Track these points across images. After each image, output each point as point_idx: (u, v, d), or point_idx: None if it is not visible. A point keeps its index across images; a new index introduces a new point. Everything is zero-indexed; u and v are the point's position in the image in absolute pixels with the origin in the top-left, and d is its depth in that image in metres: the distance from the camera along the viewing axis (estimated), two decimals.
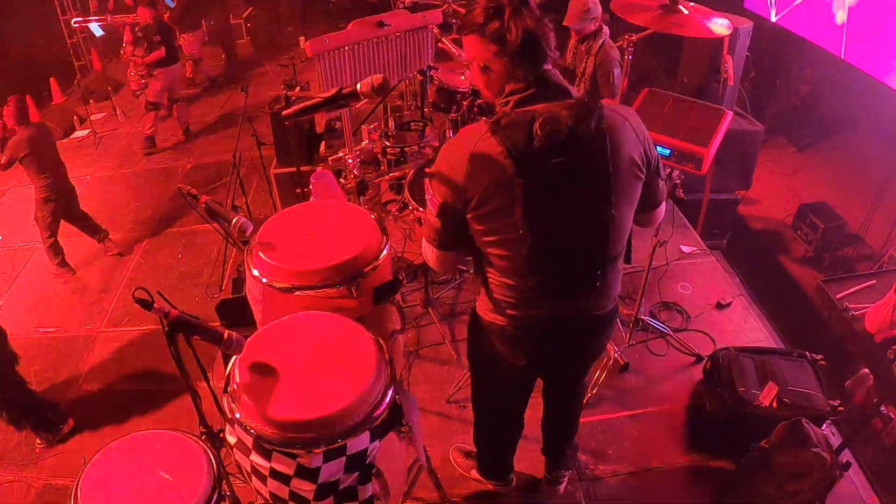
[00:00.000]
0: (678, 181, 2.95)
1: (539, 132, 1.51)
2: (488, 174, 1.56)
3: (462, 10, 5.01)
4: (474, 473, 2.68)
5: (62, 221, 4.61)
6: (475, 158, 1.57)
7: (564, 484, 2.68)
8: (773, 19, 5.83)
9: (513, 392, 2.20)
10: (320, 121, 5.03)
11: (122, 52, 7.19)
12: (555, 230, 1.62)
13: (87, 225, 4.77)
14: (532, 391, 2.22)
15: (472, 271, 1.92)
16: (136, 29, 6.49)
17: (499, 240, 1.66)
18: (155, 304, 1.52)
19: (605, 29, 3.76)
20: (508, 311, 1.81)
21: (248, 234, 2.07)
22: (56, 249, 4.55)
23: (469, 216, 1.65)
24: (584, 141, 1.53)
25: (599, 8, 3.67)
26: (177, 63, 6.55)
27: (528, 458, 2.84)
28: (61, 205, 4.50)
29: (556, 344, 1.90)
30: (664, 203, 1.89)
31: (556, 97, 1.57)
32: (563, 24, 3.77)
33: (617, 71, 3.59)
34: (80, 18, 7.28)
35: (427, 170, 1.71)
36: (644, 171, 1.66)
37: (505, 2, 1.53)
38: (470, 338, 2.11)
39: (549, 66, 1.59)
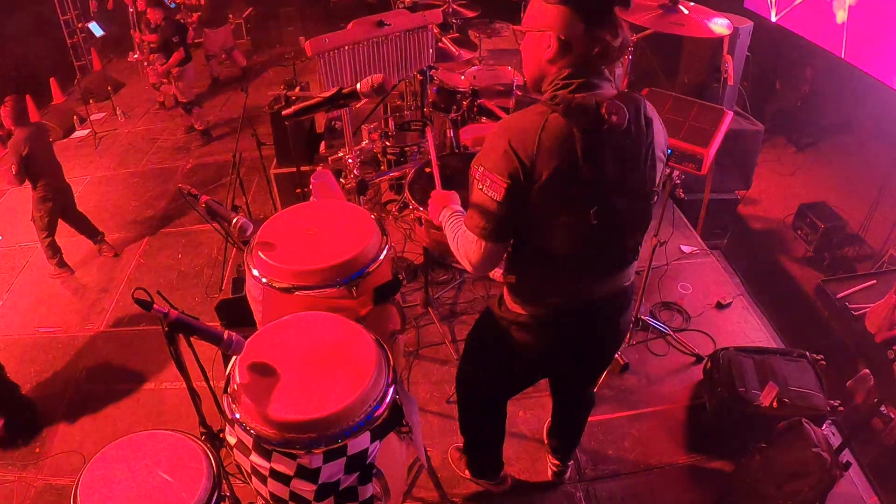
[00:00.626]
0: (678, 181, 2.95)
1: (608, 116, 1.53)
2: (559, 155, 1.56)
3: (462, 10, 5.03)
4: (468, 474, 2.69)
5: (60, 222, 4.61)
6: (546, 138, 1.55)
7: (569, 472, 2.74)
8: (774, 19, 5.84)
9: (515, 385, 2.23)
10: (320, 121, 5.03)
11: (133, 55, 7.15)
12: (617, 210, 1.67)
13: (83, 226, 4.77)
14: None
15: (503, 270, 1.90)
16: (148, 36, 6.47)
17: (564, 220, 1.65)
18: (154, 305, 1.52)
19: None
20: (552, 300, 1.83)
21: (248, 234, 2.07)
22: (53, 249, 4.55)
23: (535, 197, 1.61)
24: (639, 127, 1.62)
25: None
26: (191, 61, 6.56)
27: (528, 458, 2.84)
28: (58, 204, 4.50)
29: (594, 324, 1.92)
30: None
31: (605, 87, 1.62)
32: None
33: (617, 70, 3.58)
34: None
35: (477, 158, 1.65)
36: (665, 159, 1.79)
37: None
38: (489, 328, 2.06)
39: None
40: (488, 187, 1.62)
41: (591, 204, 1.62)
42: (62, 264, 4.60)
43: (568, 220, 1.65)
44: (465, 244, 1.74)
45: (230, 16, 8.24)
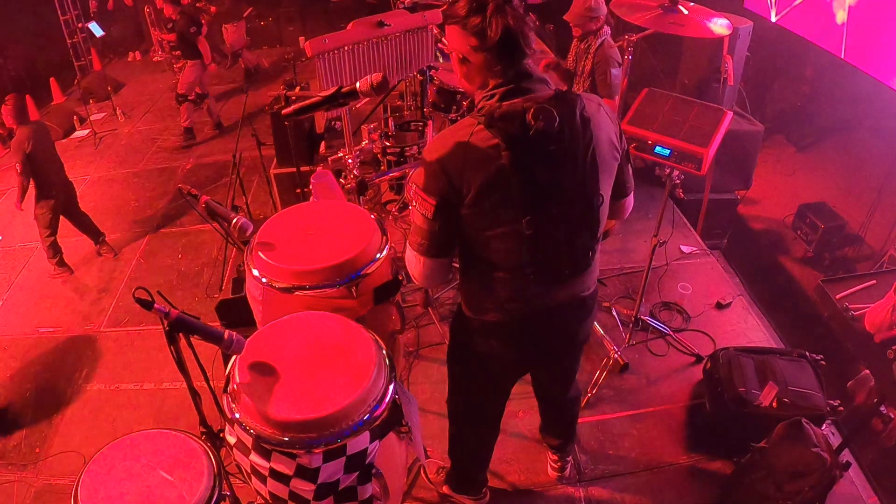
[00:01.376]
0: (678, 181, 2.95)
1: (533, 122, 1.52)
2: (486, 167, 1.55)
3: None
4: (445, 489, 2.63)
5: (65, 221, 4.61)
6: (471, 152, 1.56)
7: (569, 469, 2.75)
8: (773, 19, 5.84)
9: (497, 393, 2.19)
10: (320, 121, 5.03)
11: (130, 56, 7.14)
12: (553, 217, 1.63)
13: (86, 224, 4.77)
14: (510, 394, 2.21)
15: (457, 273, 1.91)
16: (166, 28, 6.47)
17: (498, 232, 1.65)
18: (155, 304, 1.52)
19: (607, 29, 3.76)
20: (503, 307, 1.80)
21: (248, 234, 2.07)
22: (55, 248, 4.55)
23: (465, 212, 1.63)
24: (574, 128, 1.58)
25: (604, 8, 3.66)
26: (202, 56, 6.55)
27: (528, 458, 2.84)
28: (60, 202, 4.50)
29: (550, 332, 1.90)
30: (632, 193, 1.91)
31: (538, 89, 1.59)
32: (564, 17, 3.75)
33: (616, 71, 3.58)
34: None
35: (410, 175, 1.71)
36: (619, 152, 1.73)
37: None
38: (455, 339, 2.09)
39: (527, 61, 1.61)
40: (420, 205, 1.65)
41: (524, 213, 1.60)
42: (62, 264, 4.60)
43: (502, 231, 1.64)
44: (409, 259, 1.77)
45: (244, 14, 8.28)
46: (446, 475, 2.61)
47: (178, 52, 6.53)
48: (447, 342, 2.16)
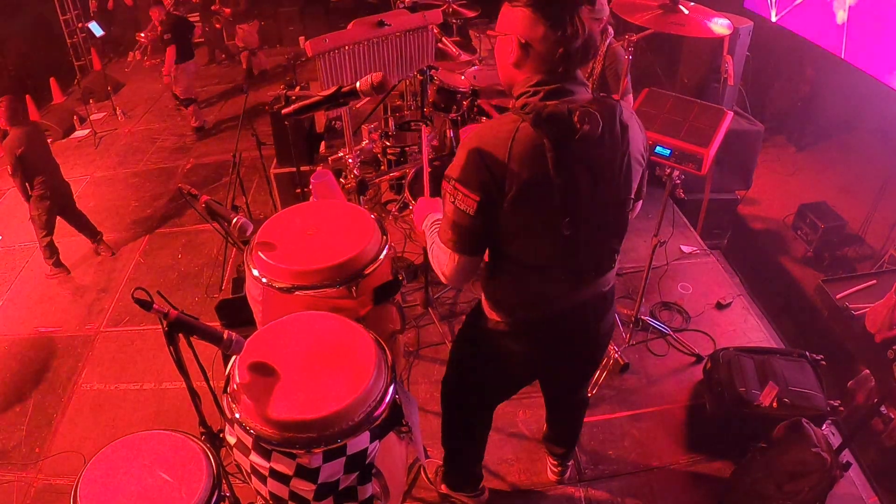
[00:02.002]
0: (678, 181, 2.95)
1: (580, 125, 1.51)
2: (530, 166, 1.53)
3: (462, 10, 5.03)
4: (443, 488, 2.62)
5: (62, 221, 4.61)
6: (517, 149, 1.52)
7: (569, 472, 2.75)
8: (774, 19, 5.84)
9: (504, 391, 2.18)
10: (320, 120, 5.03)
11: (133, 55, 7.14)
12: (590, 220, 1.64)
13: (83, 224, 4.77)
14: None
15: (480, 279, 1.87)
16: (149, 30, 6.48)
17: (534, 233, 1.64)
18: (154, 305, 1.52)
19: (611, 30, 3.76)
20: (528, 305, 1.80)
21: (248, 234, 2.07)
22: (51, 249, 4.55)
23: (505, 210, 1.59)
24: (614, 133, 1.58)
25: (607, 9, 3.67)
26: (193, 58, 6.54)
27: (528, 459, 2.85)
28: (57, 202, 4.50)
29: (573, 328, 1.89)
30: (642, 200, 1.91)
31: (579, 91, 1.58)
32: None
33: (621, 70, 3.58)
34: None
35: (449, 169, 1.62)
36: (644, 161, 1.74)
37: None
38: (471, 335, 2.05)
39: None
40: (460, 201, 1.60)
41: (564, 215, 1.59)
42: (59, 264, 4.60)
43: (540, 231, 1.63)
44: (439, 256, 1.72)
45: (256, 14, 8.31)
46: (443, 473, 2.61)
47: (156, 59, 6.55)
48: (447, 340, 2.15)
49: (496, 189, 1.55)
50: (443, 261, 1.70)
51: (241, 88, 4.65)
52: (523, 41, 1.54)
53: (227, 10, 7.81)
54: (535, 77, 1.57)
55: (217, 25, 8.40)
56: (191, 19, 7.24)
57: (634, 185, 1.71)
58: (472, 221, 1.60)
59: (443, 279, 1.75)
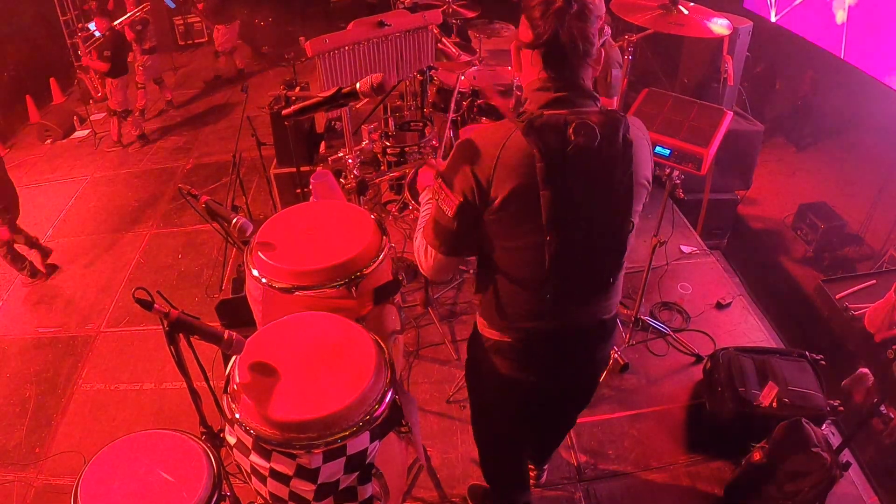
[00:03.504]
0: (678, 181, 2.95)
1: (573, 137, 1.45)
2: (517, 175, 1.49)
3: (462, 11, 5.03)
4: None
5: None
6: (505, 157, 1.49)
7: (544, 477, 2.74)
8: (773, 19, 5.84)
9: (521, 412, 2.06)
10: (320, 121, 5.03)
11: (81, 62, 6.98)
12: (578, 237, 1.56)
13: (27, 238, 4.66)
14: (537, 419, 2.14)
15: (474, 289, 1.83)
16: (90, 42, 6.40)
17: (520, 244, 1.59)
18: (155, 305, 1.52)
19: (608, 30, 3.76)
20: (520, 325, 1.73)
21: (248, 234, 2.07)
22: (17, 259, 4.46)
23: (489, 218, 1.56)
24: (614, 149, 1.50)
25: (603, 7, 3.67)
26: (126, 73, 6.47)
27: None
28: (12, 218, 4.42)
29: (568, 354, 1.82)
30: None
31: (585, 104, 1.53)
32: None
33: (616, 71, 3.58)
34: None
35: (440, 166, 1.62)
36: (650, 184, 1.66)
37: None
38: (472, 360, 1.99)
39: (582, 73, 1.53)
40: (443, 200, 1.59)
41: (549, 230, 1.52)
42: (34, 273, 4.53)
43: (524, 244, 1.58)
44: (420, 249, 1.72)
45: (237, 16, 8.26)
46: (493, 498, 2.55)
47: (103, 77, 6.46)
48: (447, 340, 2.14)
49: (479, 195, 1.53)
50: (422, 254, 1.71)
51: (241, 88, 4.64)
52: (518, 45, 1.56)
53: (200, 5, 7.75)
54: (536, 83, 1.55)
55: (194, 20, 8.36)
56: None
57: (637, 208, 1.62)
58: (450, 222, 1.59)
59: (422, 272, 1.75)
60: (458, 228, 1.60)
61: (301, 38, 3.00)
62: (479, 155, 1.52)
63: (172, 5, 7.62)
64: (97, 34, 7.69)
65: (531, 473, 2.68)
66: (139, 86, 6.94)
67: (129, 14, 6.55)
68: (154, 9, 7.90)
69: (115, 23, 6.22)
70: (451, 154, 1.60)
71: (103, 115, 7.39)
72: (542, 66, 1.53)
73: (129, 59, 6.62)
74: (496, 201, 1.52)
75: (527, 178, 1.49)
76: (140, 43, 6.70)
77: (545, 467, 2.73)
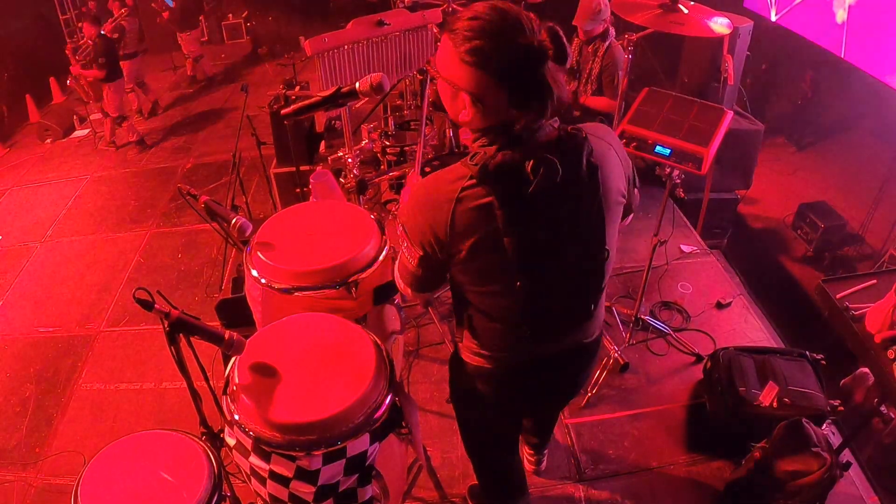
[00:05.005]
0: (678, 181, 2.95)
1: (533, 176, 1.34)
2: (477, 228, 1.39)
3: (462, 10, 5.02)
4: None
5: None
6: (461, 210, 1.39)
7: (545, 462, 2.76)
8: (773, 19, 5.83)
9: (506, 428, 2.09)
10: (320, 120, 5.02)
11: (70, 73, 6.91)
12: (551, 276, 1.49)
13: None
14: (520, 426, 2.17)
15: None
16: (80, 50, 6.39)
17: (489, 290, 1.53)
18: (155, 305, 1.52)
19: (612, 31, 3.76)
20: (499, 355, 1.68)
21: (247, 234, 2.07)
22: None
23: (455, 269, 1.51)
24: (579, 179, 1.40)
25: (609, 10, 3.68)
26: (122, 77, 6.49)
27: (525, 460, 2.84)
28: None
29: (548, 379, 1.79)
30: (633, 213, 1.76)
31: (544, 127, 1.39)
32: (573, 23, 3.77)
33: (620, 73, 3.59)
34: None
35: (397, 214, 1.60)
36: (627, 196, 1.57)
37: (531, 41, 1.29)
38: (454, 382, 1.94)
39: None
40: (406, 249, 1.54)
41: (518, 275, 1.44)
42: None
43: (495, 289, 1.51)
44: (396, 278, 1.69)
45: (202, 21, 8.24)
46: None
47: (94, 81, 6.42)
48: (447, 340, 2.14)
49: (440, 248, 1.46)
50: (399, 283, 1.69)
51: (241, 88, 4.64)
52: (481, 105, 1.36)
53: (165, 14, 7.70)
54: (488, 121, 1.39)
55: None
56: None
57: (613, 229, 1.53)
58: (415, 269, 1.56)
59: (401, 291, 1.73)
60: (424, 275, 1.57)
61: (301, 38, 3.00)
62: (434, 209, 1.42)
63: (171, 4, 7.60)
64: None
65: (531, 459, 2.71)
66: (127, 90, 6.95)
67: (112, 19, 6.57)
68: (153, 10, 7.91)
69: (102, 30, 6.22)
70: (408, 203, 1.50)
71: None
72: (505, 122, 1.39)
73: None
74: (459, 255, 1.45)
75: (487, 227, 1.39)
76: (120, 49, 6.71)
77: (545, 452, 2.73)
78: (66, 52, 6.37)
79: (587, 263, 1.52)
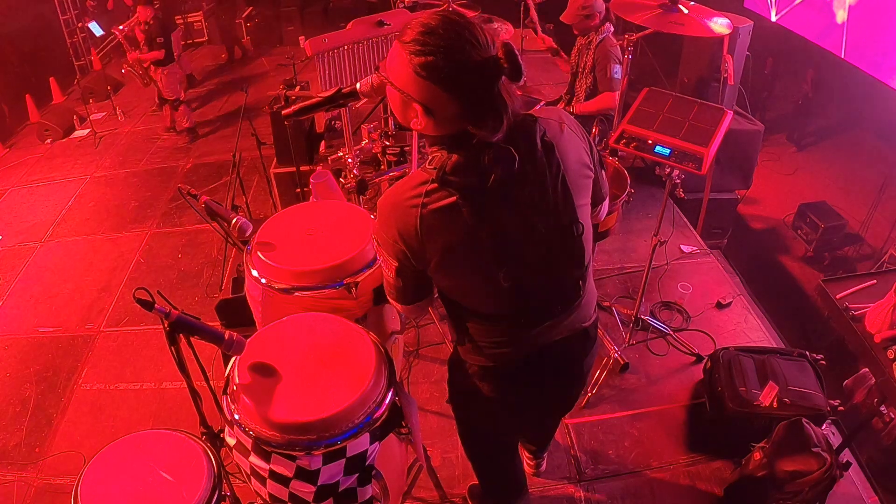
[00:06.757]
0: (678, 181, 2.95)
1: (491, 167, 1.35)
2: (446, 230, 1.41)
3: (462, 10, 5.02)
4: None
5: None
6: (426, 218, 1.40)
7: (544, 465, 2.76)
8: (774, 19, 5.84)
9: (509, 426, 2.05)
10: (320, 120, 5.02)
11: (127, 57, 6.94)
12: (531, 262, 1.49)
13: None
14: (521, 431, 2.19)
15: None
16: (139, 29, 6.43)
17: (471, 289, 1.54)
18: (155, 304, 1.52)
19: (609, 26, 3.76)
20: (496, 351, 1.67)
21: (247, 234, 2.07)
22: None
23: (434, 274, 1.51)
24: (537, 161, 1.41)
25: (600, 3, 3.67)
26: (174, 61, 6.54)
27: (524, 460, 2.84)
28: None
29: (551, 369, 1.78)
30: (607, 199, 1.77)
31: (495, 119, 1.36)
32: (560, 19, 3.77)
33: (617, 67, 3.59)
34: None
35: (371, 226, 1.57)
36: (592, 168, 1.57)
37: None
38: (454, 383, 1.93)
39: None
40: (382, 260, 1.56)
41: (498, 266, 1.45)
42: None
43: (478, 284, 1.52)
44: (389, 298, 1.70)
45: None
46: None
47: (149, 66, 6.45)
48: (447, 340, 2.13)
49: (413, 257, 1.47)
50: (389, 298, 1.70)
51: (241, 88, 4.64)
52: (433, 117, 1.37)
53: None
54: (442, 130, 1.40)
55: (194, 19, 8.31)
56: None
57: (584, 203, 1.54)
58: (395, 280, 1.57)
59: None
60: (405, 284, 1.58)
61: (301, 38, 3.00)
62: (400, 218, 1.44)
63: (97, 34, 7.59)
64: (97, 33, 7.65)
65: (531, 463, 2.71)
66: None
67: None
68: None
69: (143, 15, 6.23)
70: (377, 216, 1.51)
71: (103, 114, 7.40)
72: (456, 133, 1.39)
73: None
74: (433, 260, 1.46)
75: (456, 227, 1.40)
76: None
77: (544, 456, 2.74)
78: (120, 39, 6.40)
79: (564, 241, 1.52)
